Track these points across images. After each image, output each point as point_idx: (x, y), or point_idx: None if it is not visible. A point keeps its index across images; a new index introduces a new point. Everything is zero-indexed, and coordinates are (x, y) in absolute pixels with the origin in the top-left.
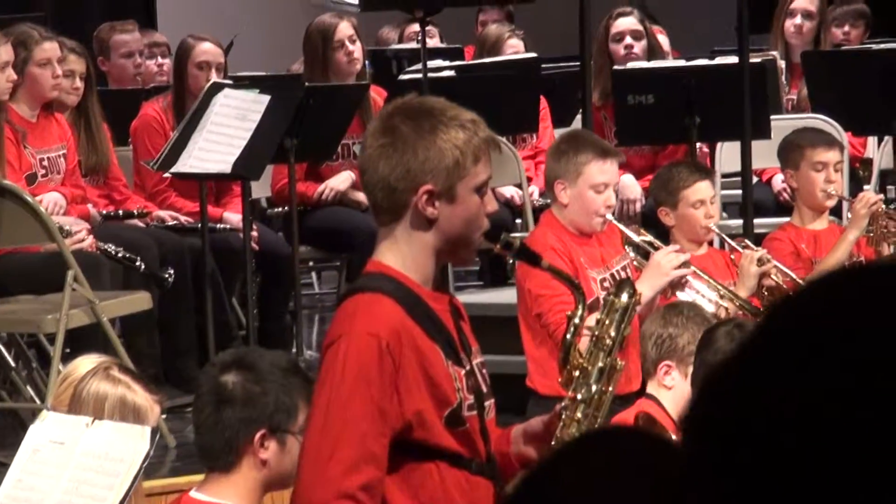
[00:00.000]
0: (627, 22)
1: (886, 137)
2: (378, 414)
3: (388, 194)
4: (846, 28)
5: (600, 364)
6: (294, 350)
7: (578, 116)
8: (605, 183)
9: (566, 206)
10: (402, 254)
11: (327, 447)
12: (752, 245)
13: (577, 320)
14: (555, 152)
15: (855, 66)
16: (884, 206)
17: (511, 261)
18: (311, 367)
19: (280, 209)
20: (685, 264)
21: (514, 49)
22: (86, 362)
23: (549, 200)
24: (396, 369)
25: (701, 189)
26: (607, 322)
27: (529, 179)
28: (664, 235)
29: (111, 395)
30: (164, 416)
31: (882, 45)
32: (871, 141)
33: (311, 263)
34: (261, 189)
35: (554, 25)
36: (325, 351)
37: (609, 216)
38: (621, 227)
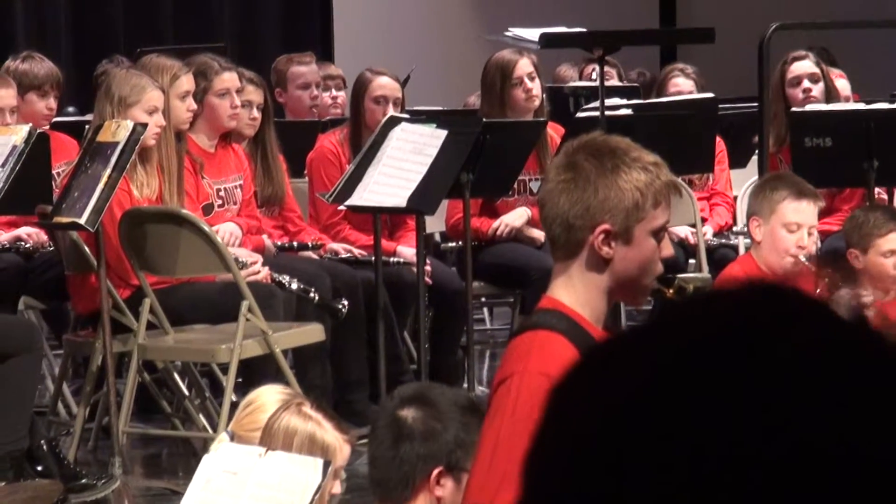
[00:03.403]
0: (804, 66)
1: None
2: None
3: (566, 230)
4: None
5: None
6: (465, 385)
7: (754, 158)
8: (798, 223)
9: (759, 244)
10: (577, 292)
11: (492, 486)
12: None
13: None
14: (755, 189)
15: None
16: None
17: None
18: (481, 403)
19: (454, 244)
20: (869, 305)
21: (678, 88)
22: (269, 392)
23: (722, 241)
24: None
25: (894, 239)
26: None
27: (704, 220)
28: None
29: (301, 430)
30: None
31: None
32: None
33: (483, 299)
34: (435, 223)
35: (731, 66)
36: (497, 387)
37: (802, 258)
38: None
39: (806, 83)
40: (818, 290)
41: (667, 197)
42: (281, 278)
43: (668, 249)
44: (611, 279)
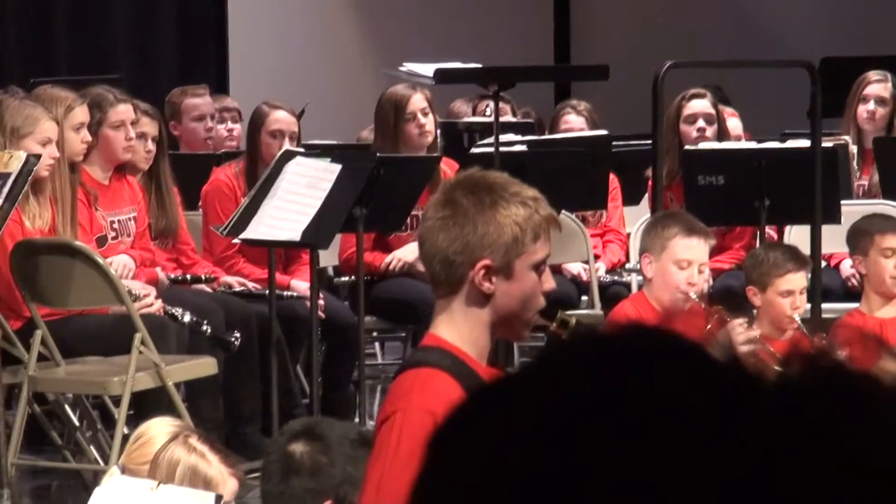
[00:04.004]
0: (701, 104)
1: None
2: None
3: (446, 267)
4: None
5: None
6: (357, 420)
7: (646, 195)
8: (689, 260)
9: (651, 281)
10: (459, 328)
11: None
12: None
13: None
14: (647, 227)
15: None
16: None
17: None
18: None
19: (347, 278)
20: (753, 341)
21: (570, 125)
22: (159, 424)
23: (615, 278)
24: None
25: (792, 280)
26: None
27: (597, 257)
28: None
29: (184, 462)
30: None
31: None
32: None
33: (375, 334)
34: (329, 258)
35: (624, 103)
36: (381, 425)
37: (693, 295)
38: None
39: (701, 122)
40: (708, 328)
41: (546, 231)
42: (174, 311)
43: (549, 283)
44: (493, 314)
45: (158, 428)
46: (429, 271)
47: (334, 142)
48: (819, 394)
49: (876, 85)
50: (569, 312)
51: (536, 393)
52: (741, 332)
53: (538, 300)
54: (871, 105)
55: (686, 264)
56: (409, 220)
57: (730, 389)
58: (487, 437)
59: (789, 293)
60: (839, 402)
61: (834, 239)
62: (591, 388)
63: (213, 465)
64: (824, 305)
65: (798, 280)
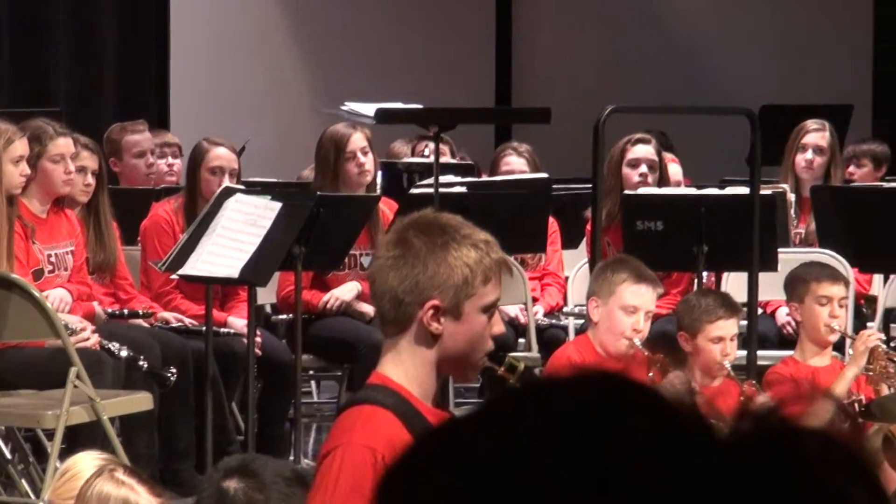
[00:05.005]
0: (645, 150)
1: (892, 276)
2: None
3: (396, 306)
4: (857, 165)
5: None
6: (292, 458)
7: (585, 239)
8: (636, 306)
9: (597, 325)
10: (406, 367)
11: None
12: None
13: None
14: (596, 270)
15: (864, 203)
16: (883, 346)
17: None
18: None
19: (285, 316)
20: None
21: (510, 167)
22: (86, 459)
23: (553, 321)
24: None
25: (723, 326)
26: None
27: (535, 300)
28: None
29: (114, 496)
30: None
31: (891, 184)
32: (877, 278)
33: (311, 372)
34: (266, 295)
35: (565, 146)
36: (321, 461)
37: (637, 342)
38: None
39: (644, 167)
40: (650, 375)
41: (497, 274)
42: (110, 345)
43: (498, 326)
44: (440, 355)
45: (84, 462)
46: (378, 310)
47: (275, 179)
48: (771, 452)
49: (814, 134)
50: (512, 355)
51: (485, 438)
52: (684, 383)
53: (486, 343)
54: (809, 154)
55: (633, 310)
56: (347, 259)
57: (685, 440)
58: (434, 482)
59: (720, 339)
60: (789, 462)
61: (770, 286)
62: (543, 434)
63: (142, 496)
64: (759, 352)
65: (729, 327)
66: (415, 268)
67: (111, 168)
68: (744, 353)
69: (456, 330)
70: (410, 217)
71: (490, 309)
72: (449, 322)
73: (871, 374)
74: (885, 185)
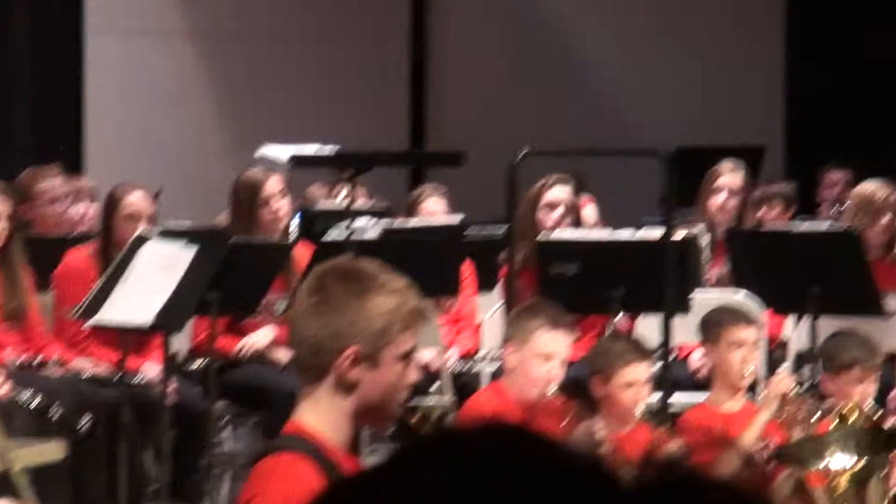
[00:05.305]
0: (561, 192)
1: (803, 318)
2: None
3: (314, 353)
4: (769, 207)
5: None
6: None
7: (499, 283)
8: (551, 353)
9: (512, 371)
10: (323, 415)
11: None
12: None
13: None
14: (512, 316)
15: (776, 245)
16: (795, 390)
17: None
18: None
19: (199, 363)
20: (604, 440)
21: (427, 210)
22: None
23: (466, 366)
24: None
25: (635, 370)
26: None
27: (448, 344)
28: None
29: None
30: None
31: (803, 226)
32: (789, 321)
33: (227, 419)
34: (181, 342)
35: (480, 189)
36: None
37: (552, 388)
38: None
39: (560, 210)
40: (565, 422)
41: (415, 322)
42: (22, 393)
43: (413, 375)
44: (357, 403)
45: None
46: (296, 357)
47: (190, 224)
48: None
49: (728, 176)
50: (426, 401)
51: (387, 494)
52: (595, 432)
53: (403, 391)
54: (723, 195)
55: (548, 358)
56: (262, 305)
57: (589, 492)
58: None
59: (630, 385)
60: None
61: (684, 329)
62: (444, 490)
63: None
64: (673, 397)
65: (641, 371)
66: (333, 315)
67: (24, 214)
68: (657, 396)
69: (373, 378)
70: (329, 264)
71: (407, 357)
72: (366, 370)
73: (783, 418)
74: (798, 227)
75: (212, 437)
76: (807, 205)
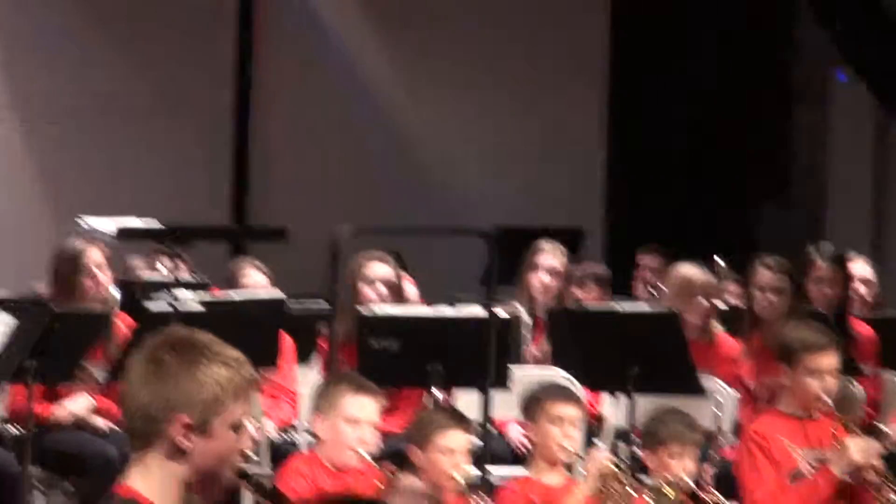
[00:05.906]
0: (383, 270)
1: (620, 396)
2: None
3: (145, 421)
4: (587, 287)
5: None
6: None
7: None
8: (358, 418)
9: (323, 441)
10: (154, 482)
11: None
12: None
13: None
14: (319, 388)
15: (594, 324)
16: (612, 467)
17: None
18: None
19: (14, 428)
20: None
21: (249, 280)
22: None
23: (285, 436)
24: None
25: (453, 438)
26: None
27: (267, 415)
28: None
29: None
30: None
31: (621, 306)
32: (606, 398)
33: (41, 485)
34: None
35: (302, 263)
36: None
37: (364, 454)
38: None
39: (379, 287)
40: (382, 488)
41: (247, 392)
42: None
43: (246, 443)
44: (188, 471)
45: None
46: (128, 424)
47: (8, 293)
48: None
49: (548, 255)
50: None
51: None
52: (417, 490)
53: (234, 459)
54: (543, 275)
55: (355, 421)
56: (80, 373)
57: None
58: None
59: (451, 451)
60: None
61: (503, 404)
62: None
63: None
64: (493, 469)
65: (459, 439)
66: (166, 384)
67: None
68: (476, 471)
69: (205, 446)
70: (164, 333)
71: (239, 426)
72: (198, 438)
73: (603, 494)
74: (617, 307)
75: (24, 502)
76: (621, 286)
